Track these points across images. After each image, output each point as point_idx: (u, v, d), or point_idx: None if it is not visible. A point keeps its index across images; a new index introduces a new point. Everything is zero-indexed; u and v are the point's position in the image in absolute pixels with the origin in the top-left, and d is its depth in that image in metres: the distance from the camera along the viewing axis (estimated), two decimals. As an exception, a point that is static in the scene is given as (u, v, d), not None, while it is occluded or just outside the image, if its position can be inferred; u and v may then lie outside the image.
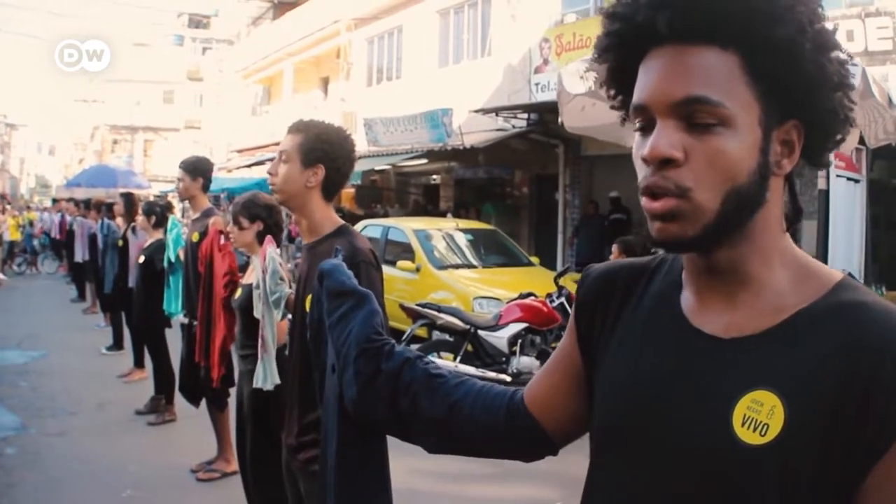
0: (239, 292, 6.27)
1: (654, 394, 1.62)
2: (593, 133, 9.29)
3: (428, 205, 28.18)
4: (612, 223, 21.08)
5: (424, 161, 26.31)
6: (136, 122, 71.09)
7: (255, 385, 5.15)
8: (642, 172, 1.55)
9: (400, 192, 31.73)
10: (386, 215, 24.80)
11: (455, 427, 1.97)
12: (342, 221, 4.17)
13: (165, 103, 71.83)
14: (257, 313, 5.28)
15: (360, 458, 2.20)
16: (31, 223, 36.18)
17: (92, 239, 18.03)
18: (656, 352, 1.67)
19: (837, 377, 1.42)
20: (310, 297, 3.76)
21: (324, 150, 4.03)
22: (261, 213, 6.24)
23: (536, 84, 21.76)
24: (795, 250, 1.63)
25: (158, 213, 10.64)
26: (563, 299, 12.22)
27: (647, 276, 1.81)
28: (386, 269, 15.48)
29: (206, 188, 8.46)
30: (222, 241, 7.22)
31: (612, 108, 1.78)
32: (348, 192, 31.51)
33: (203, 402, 8.54)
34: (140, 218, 10.85)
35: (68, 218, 24.91)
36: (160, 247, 10.01)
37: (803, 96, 1.52)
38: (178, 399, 9.70)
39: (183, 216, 14.52)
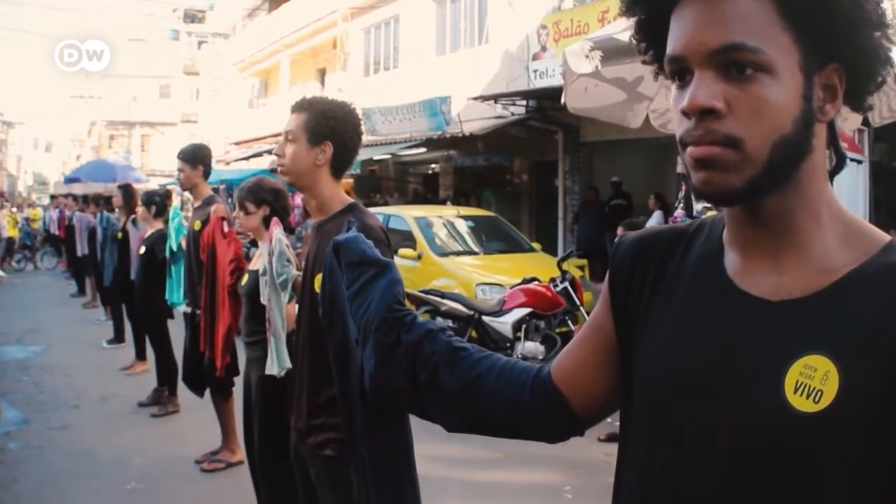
0: (246, 279, 6.18)
1: (702, 361, 1.55)
2: (596, 114, 9.07)
3: (427, 193, 28.09)
4: (612, 209, 21.07)
5: (423, 150, 26.19)
6: (132, 118, 70.92)
7: (266, 371, 5.04)
8: (683, 126, 1.48)
9: (399, 181, 31.69)
10: (385, 204, 24.65)
11: (477, 402, 1.89)
12: (350, 199, 4.10)
13: (162, 98, 71.58)
14: (265, 299, 5.20)
15: (386, 438, 2.16)
16: (28, 220, 36.03)
17: (91, 233, 18.05)
18: (702, 317, 1.60)
19: (893, 341, 1.36)
20: (319, 276, 3.72)
21: (330, 127, 3.95)
22: (267, 198, 6.17)
23: (535, 71, 21.54)
24: (840, 204, 1.56)
25: (158, 202, 10.55)
26: (566, 284, 12.17)
27: (685, 240, 1.73)
28: (387, 257, 15.65)
29: (206, 175, 8.38)
30: (226, 227, 7.14)
31: (644, 62, 1.72)
32: (347, 181, 31.04)
33: (207, 392, 8.42)
34: (140, 209, 10.76)
35: (67, 213, 24.80)
36: (161, 237, 9.95)
37: (842, 38, 1.45)
38: (182, 390, 9.61)
39: (182, 208, 14.32)
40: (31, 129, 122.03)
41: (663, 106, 8.73)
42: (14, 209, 38.14)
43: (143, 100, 70.12)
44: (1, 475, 8.14)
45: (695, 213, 6.77)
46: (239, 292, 6.40)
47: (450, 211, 18.40)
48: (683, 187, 6.94)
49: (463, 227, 17.25)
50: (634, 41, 1.70)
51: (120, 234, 12.94)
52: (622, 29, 7.21)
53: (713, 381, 1.51)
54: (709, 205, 5.92)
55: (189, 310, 8.31)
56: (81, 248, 19.82)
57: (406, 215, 16.69)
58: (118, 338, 14.77)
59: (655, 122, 9.07)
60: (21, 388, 11.76)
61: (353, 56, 32.71)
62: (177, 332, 10.31)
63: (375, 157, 26.38)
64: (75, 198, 23.97)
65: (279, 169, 4.06)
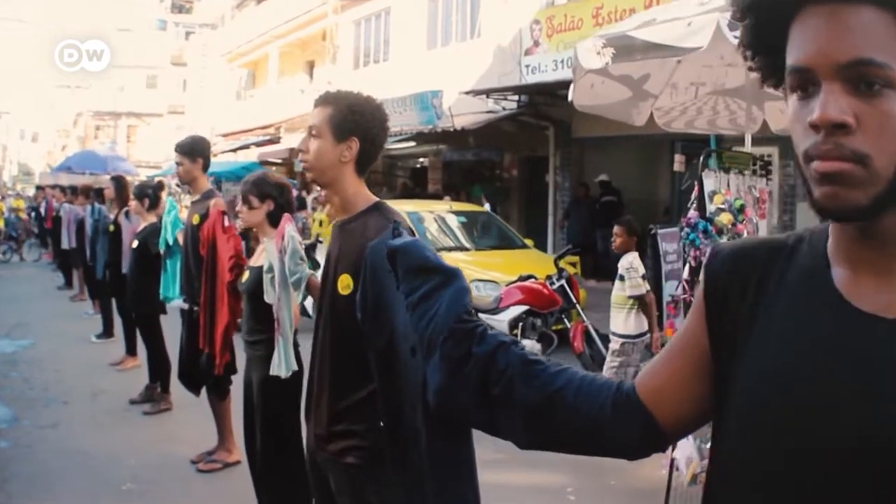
0: (246, 275, 6.04)
1: (812, 376, 1.50)
2: (601, 111, 9.12)
3: (416, 187, 27.96)
4: (602, 205, 21.26)
5: (412, 144, 26.11)
6: (119, 108, 70.67)
7: (271, 372, 4.87)
8: (810, 139, 1.44)
9: (387, 174, 31.48)
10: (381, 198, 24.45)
11: (554, 419, 1.81)
12: (376, 198, 3.93)
13: (149, 88, 71.38)
14: (269, 297, 5.04)
15: (447, 447, 2.14)
16: (15, 210, 35.84)
17: (79, 225, 17.76)
18: (811, 330, 1.54)
19: None
20: (343, 277, 3.68)
21: (356, 122, 3.79)
22: (271, 192, 6.03)
23: (527, 66, 21.65)
24: None
25: (151, 195, 10.34)
26: (563, 281, 12.07)
27: (786, 252, 1.66)
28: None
29: (205, 169, 8.18)
30: (226, 223, 6.98)
31: (750, 69, 1.67)
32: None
33: (203, 391, 8.27)
34: (133, 202, 10.56)
35: (54, 204, 24.46)
36: (154, 231, 9.76)
37: None
38: (174, 387, 9.50)
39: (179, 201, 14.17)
40: (17, 119, 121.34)
41: (668, 104, 8.87)
42: (1, 199, 37.89)
43: (130, 90, 69.78)
44: (-9, 475, 7.93)
45: (708, 214, 6.64)
46: (239, 289, 6.24)
47: (441, 206, 18.24)
48: (696, 188, 6.80)
49: (454, 222, 17.17)
50: (741, 47, 1.65)
51: (112, 227, 12.66)
52: (635, 26, 7.18)
53: (825, 399, 1.47)
54: (722, 206, 5.69)
55: (186, 306, 8.11)
56: (69, 241, 19.51)
57: (401, 210, 16.29)
58: (107, 332, 14.57)
59: (660, 120, 9.08)
60: (10, 384, 11.56)
61: (343, 48, 32.62)
62: (169, 328, 10.22)
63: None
64: (63, 189, 23.64)
65: (303, 165, 3.92)
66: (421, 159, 30.03)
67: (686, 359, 1.75)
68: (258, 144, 33.48)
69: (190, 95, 60.22)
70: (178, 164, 8.13)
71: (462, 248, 16.02)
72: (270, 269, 4.96)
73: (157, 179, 15.82)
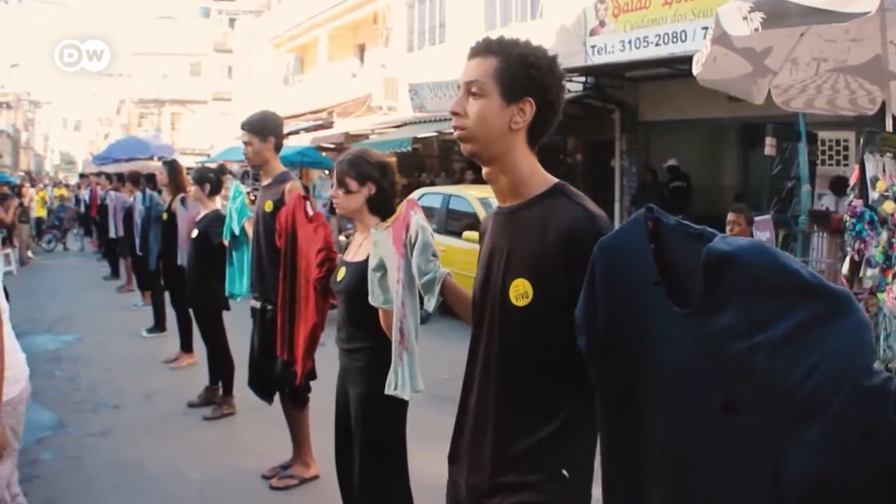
0: (342, 272, 5.03)
1: None
2: (722, 87, 8.71)
3: (474, 174, 27.15)
4: (672, 191, 20.67)
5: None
6: (162, 96, 70.58)
7: (388, 391, 3.85)
8: None
9: (443, 159, 30.82)
10: (432, 184, 24.01)
11: None
12: (555, 179, 3.01)
13: (192, 76, 71.17)
14: (376, 300, 4.04)
15: None
16: (61, 198, 35.67)
17: (127, 213, 16.94)
18: None
19: None
20: (518, 283, 2.87)
21: (531, 78, 2.89)
22: (372, 174, 5.05)
23: (592, 47, 20.99)
24: None
25: (213, 180, 9.44)
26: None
27: None
28: (448, 240, 14.66)
29: (278, 149, 7.22)
30: (309, 210, 5.99)
31: None
32: (390, 160, 30.70)
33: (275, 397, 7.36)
34: (192, 187, 9.61)
35: (99, 192, 23.94)
36: (216, 219, 8.93)
37: None
38: (238, 388, 8.75)
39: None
40: (59, 108, 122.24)
41: (787, 81, 8.50)
42: (43, 188, 37.71)
43: (174, 78, 69.72)
44: (36, 494, 6.90)
45: (870, 202, 5.82)
46: (333, 288, 5.24)
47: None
48: (856, 173, 6.05)
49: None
50: None
51: (165, 215, 11.77)
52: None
53: None
54: (886, 193, 5.06)
55: (258, 304, 7.13)
56: (116, 229, 18.94)
57: (469, 196, 15.79)
58: (159, 326, 13.76)
59: (778, 98, 8.69)
60: (54, 385, 10.63)
61: (396, 31, 32.00)
62: (231, 325, 9.46)
63: (420, 136, 25.38)
64: (108, 176, 23.09)
65: (459, 133, 2.97)
66: (479, 144, 28.91)
67: None
68: (309, 130, 32.87)
69: (235, 82, 60.30)
70: (246, 143, 7.14)
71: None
72: (380, 267, 3.94)
73: (218, 163, 15.03)
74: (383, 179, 5.06)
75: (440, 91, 24.17)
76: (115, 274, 21.57)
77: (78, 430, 8.82)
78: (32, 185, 33.55)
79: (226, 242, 8.20)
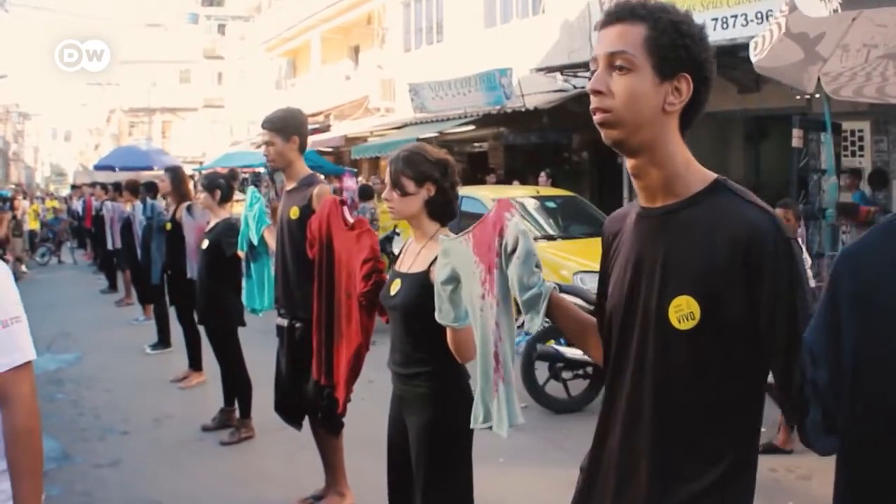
0: (396, 285, 4.33)
1: None
2: (775, 74, 8.47)
3: (477, 173, 26.62)
4: None
5: (471, 127, 25.00)
6: (152, 104, 70.10)
7: (477, 425, 3.16)
8: None
9: (444, 160, 30.28)
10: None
11: None
12: (712, 172, 2.51)
13: (182, 83, 70.90)
14: (444, 317, 3.40)
15: None
16: (54, 210, 35.28)
17: (125, 224, 16.33)
18: None
19: None
20: (681, 301, 2.37)
21: (687, 50, 2.41)
22: (432, 173, 4.34)
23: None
24: None
25: (224, 186, 8.73)
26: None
27: None
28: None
29: (302, 149, 6.49)
30: (348, 216, 5.32)
31: None
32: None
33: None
34: (202, 195, 8.86)
35: (94, 203, 23.27)
36: (229, 228, 8.30)
37: None
38: (256, 409, 8.22)
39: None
40: (49, 119, 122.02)
41: (836, 69, 8.25)
42: (35, 200, 37.25)
43: (163, 85, 69.56)
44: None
45: None
46: (385, 304, 4.52)
47: (527, 192, 16.77)
48: None
49: (543, 208, 15.72)
50: None
51: (168, 225, 11.09)
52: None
53: None
54: None
55: (285, 322, 6.41)
56: (113, 241, 18.28)
57: (482, 197, 15.05)
58: (163, 341, 13.05)
59: (828, 86, 8.49)
60: (57, 410, 9.91)
61: (392, 31, 31.73)
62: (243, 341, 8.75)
63: (422, 137, 24.80)
64: (104, 186, 22.48)
65: (599, 117, 2.43)
66: (478, 143, 28.76)
67: None
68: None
69: (226, 88, 60.04)
70: (267, 143, 6.42)
71: (557, 237, 14.65)
72: (452, 280, 3.27)
73: (228, 169, 14.45)
74: (444, 179, 4.38)
75: (441, 91, 23.80)
76: (112, 287, 20.99)
77: (85, 461, 8.14)
78: (25, 198, 32.96)
79: (241, 254, 7.48)
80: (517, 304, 2.92)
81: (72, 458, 8.24)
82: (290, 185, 6.53)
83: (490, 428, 3.18)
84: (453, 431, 4.08)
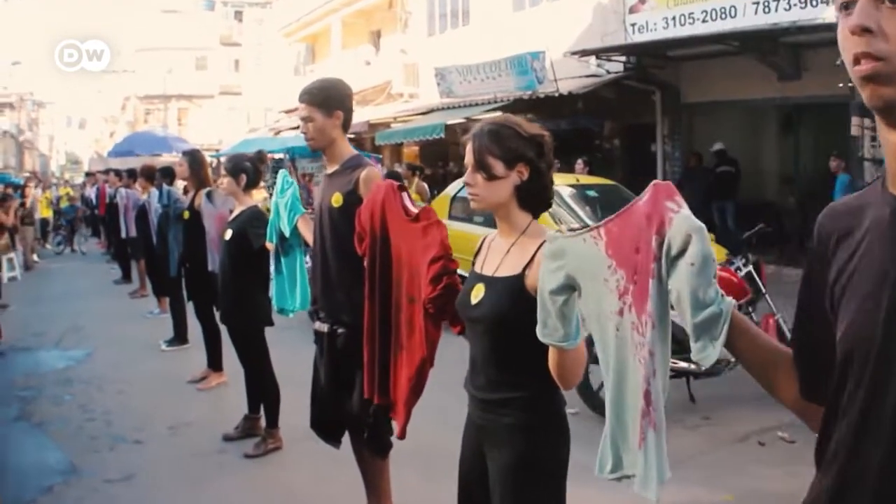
0: (479, 291, 3.45)
1: None
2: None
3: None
4: (719, 176, 19.91)
5: (498, 113, 23.82)
6: (168, 91, 69.75)
7: (605, 475, 2.36)
8: None
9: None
10: (461, 174, 22.70)
11: None
12: None
13: (198, 70, 70.47)
14: (550, 335, 2.63)
15: None
16: (69, 197, 34.78)
17: (140, 211, 15.48)
18: None
19: None
20: None
21: None
22: (525, 152, 3.46)
23: (633, 24, 20.02)
24: None
25: (250, 170, 7.85)
26: (750, 267, 9.75)
27: None
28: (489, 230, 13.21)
29: (346, 127, 5.61)
30: (409, 204, 4.44)
31: None
32: (412, 149, 30.80)
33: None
34: (225, 179, 7.92)
35: (108, 190, 22.55)
36: (256, 217, 7.54)
37: None
38: (283, 417, 7.52)
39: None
40: (63, 107, 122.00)
41: None
42: (48, 189, 36.88)
43: (179, 72, 69.21)
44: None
45: None
46: (463, 314, 3.62)
47: (565, 180, 15.69)
48: None
49: (584, 198, 14.93)
50: None
51: (187, 214, 10.28)
52: None
53: None
54: None
55: (324, 327, 5.52)
56: (127, 230, 17.48)
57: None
58: (179, 337, 12.29)
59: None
60: (64, 414, 9.17)
61: (415, 15, 31.28)
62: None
63: (450, 122, 24.06)
64: (118, 172, 21.69)
65: (869, 67, 1.73)
66: (504, 130, 27.91)
67: None
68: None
69: (243, 75, 59.70)
70: (305, 119, 5.52)
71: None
72: (566, 289, 2.45)
73: (254, 151, 13.63)
74: (540, 160, 3.50)
75: (470, 75, 23.25)
76: (126, 277, 20.27)
77: (94, 475, 7.32)
78: (37, 186, 32.44)
79: (270, 246, 6.62)
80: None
81: (80, 471, 7.46)
82: (331, 168, 5.61)
83: (619, 479, 2.43)
84: (548, 470, 3.34)
